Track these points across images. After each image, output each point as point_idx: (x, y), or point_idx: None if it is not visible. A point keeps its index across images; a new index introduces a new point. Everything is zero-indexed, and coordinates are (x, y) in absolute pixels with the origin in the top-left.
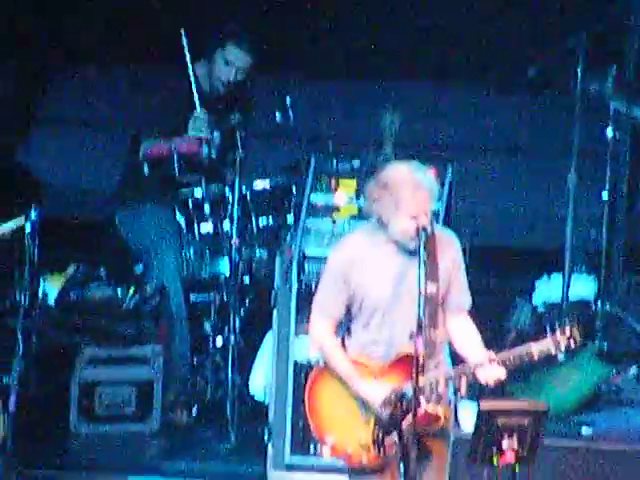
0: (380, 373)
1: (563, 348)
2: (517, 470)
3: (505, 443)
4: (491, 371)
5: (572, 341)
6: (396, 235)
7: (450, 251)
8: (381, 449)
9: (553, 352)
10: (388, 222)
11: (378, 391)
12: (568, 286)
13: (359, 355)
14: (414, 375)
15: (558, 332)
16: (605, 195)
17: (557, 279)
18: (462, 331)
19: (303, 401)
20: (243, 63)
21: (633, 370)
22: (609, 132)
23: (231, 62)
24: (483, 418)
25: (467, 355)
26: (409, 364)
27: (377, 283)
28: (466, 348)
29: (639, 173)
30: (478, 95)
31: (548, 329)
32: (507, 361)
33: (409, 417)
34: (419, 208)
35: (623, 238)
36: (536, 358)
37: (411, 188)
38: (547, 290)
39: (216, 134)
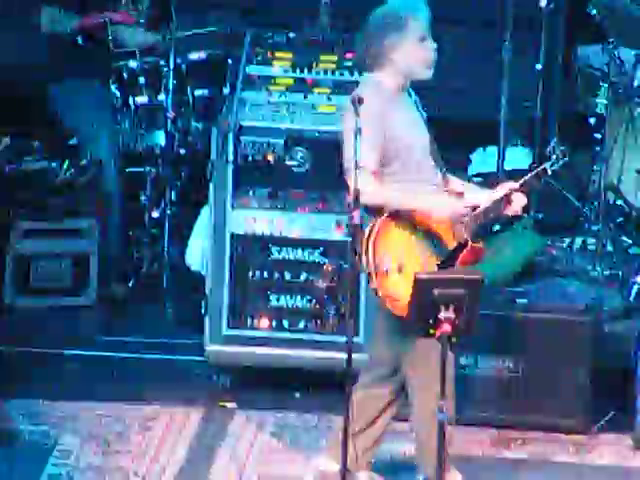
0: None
1: (558, 161)
2: (454, 340)
3: (441, 314)
4: (519, 199)
5: (559, 152)
6: (411, 65)
7: None
8: None
9: (555, 165)
10: (395, 59)
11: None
12: (503, 158)
13: None
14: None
15: (548, 150)
16: (539, 66)
17: (492, 152)
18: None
19: (240, 273)
20: None
21: (567, 240)
22: (542, 2)
23: None
24: (419, 288)
25: (470, 192)
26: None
27: (408, 127)
28: (465, 186)
29: (573, 43)
30: None
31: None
32: (526, 185)
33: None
34: (424, 28)
35: (557, 109)
36: (549, 173)
37: (412, 11)
38: (482, 162)
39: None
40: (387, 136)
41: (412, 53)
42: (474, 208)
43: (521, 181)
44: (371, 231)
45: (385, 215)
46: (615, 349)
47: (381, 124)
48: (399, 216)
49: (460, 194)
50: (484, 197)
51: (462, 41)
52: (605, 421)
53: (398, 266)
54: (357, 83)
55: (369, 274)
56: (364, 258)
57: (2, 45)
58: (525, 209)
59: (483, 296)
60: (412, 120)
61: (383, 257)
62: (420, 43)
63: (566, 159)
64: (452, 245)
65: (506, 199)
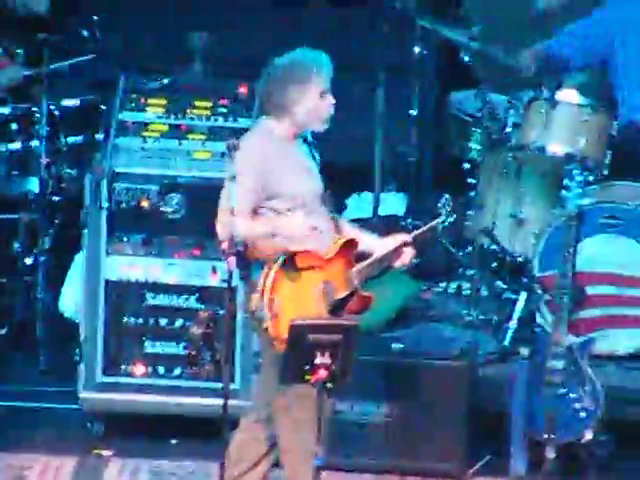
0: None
1: (450, 216)
2: (330, 386)
3: (317, 359)
4: (409, 253)
5: (450, 207)
6: (310, 118)
7: None
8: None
9: (446, 221)
10: (291, 110)
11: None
12: (377, 203)
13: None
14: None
15: (439, 205)
16: (413, 112)
17: (367, 197)
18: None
19: (114, 319)
20: None
21: (442, 285)
22: (415, 49)
23: None
24: (295, 334)
25: (362, 241)
26: (348, 251)
27: (296, 175)
28: (358, 235)
29: (445, 89)
30: (284, 12)
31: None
32: (418, 238)
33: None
34: (326, 83)
35: (431, 154)
36: (439, 229)
37: (317, 66)
38: (357, 207)
39: (20, 52)
40: (270, 184)
41: (312, 107)
42: (365, 256)
43: (413, 235)
44: (266, 276)
45: (280, 261)
46: (490, 393)
47: (261, 169)
48: (294, 262)
49: (353, 241)
50: (376, 245)
51: (337, 86)
52: (481, 465)
53: (288, 310)
54: (232, 130)
55: (263, 314)
56: (259, 301)
57: None
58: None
59: (359, 341)
60: (302, 168)
61: (275, 300)
62: (320, 98)
63: (455, 216)
64: (342, 293)
65: (397, 251)
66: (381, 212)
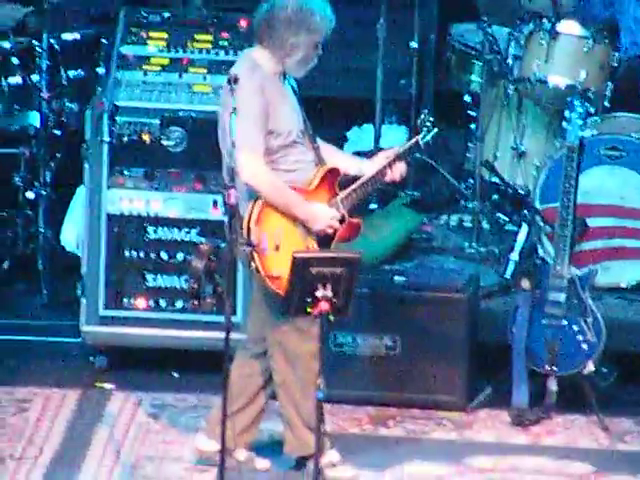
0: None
1: (431, 131)
2: (331, 319)
3: (319, 292)
4: (399, 167)
5: (430, 122)
6: (295, 64)
7: None
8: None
9: (427, 136)
10: (292, 54)
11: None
12: (379, 136)
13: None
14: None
15: (419, 122)
16: (414, 44)
17: (368, 130)
18: (327, 147)
19: (116, 253)
20: None
21: (443, 218)
22: None
23: None
24: (297, 267)
25: (348, 164)
26: (330, 180)
27: (288, 111)
28: (343, 159)
29: (447, 23)
30: None
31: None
32: (400, 155)
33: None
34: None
35: (432, 87)
36: (422, 146)
37: (324, 18)
38: (359, 141)
39: None
40: (270, 118)
41: (305, 56)
42: (354, 179)
43: (397, 151)
44: (251, 212)
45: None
46: (492, 326)
47: (264, 102)
48: None
49: (334, 170)
50: (365, 168)
51: (337, 19)
52: (482, 397)
53: (276, 245)
54: (233, 63)
55: (250, 254)
56: (244, 238)
57: None
58: (402, 184)
59: (361, 274)
60: (291, 103)
61: (261, 237)
62: (314, 48)
63: (436, 129)
64: None
65: (385, 169)
66: (382, 144)
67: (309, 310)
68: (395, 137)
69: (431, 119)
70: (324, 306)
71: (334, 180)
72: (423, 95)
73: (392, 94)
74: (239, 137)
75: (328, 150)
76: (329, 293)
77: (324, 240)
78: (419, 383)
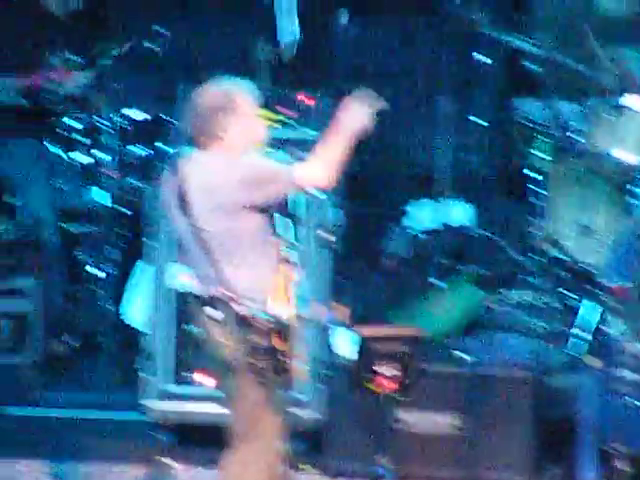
0: None
1: None
2: (395, 396)
3: (384, 370)
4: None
5: None
6: (238, 145)
7: None
8: None
9: None
10: (225, 138)
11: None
12: (443, 212)
13: None
14: None
15: None
16: (480, 121)
17: (432, 205)
18: None
19: (181, 329)
20: None
21: (508, 294)
22: (479, 57)
23: None
24: (362, 344)
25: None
26: None
27: None
28: None
29: (511, 98)
30: (349, 23)
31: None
32: None
33: None
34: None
35: (498, 163)
36: None
37: (243, 94)
38: (422, 216)
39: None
40: None
41: (240, 133)
42: None
43: None
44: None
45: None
46: (558, 403)
47: None
48: None
49: None
50: None
51: (402, 95)
52: (549, 477)
53: None
54: (296, 140)
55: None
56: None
57: None
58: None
59: (423, 351)
60: None
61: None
62: (250, 122)
63: None
64: None
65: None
66: (445, 220)
67: (372, 387)
68: (460, 213)
69: None
70: (388, 384)
71: None
72: (486, 170)
73: (456, 169)
74: (277, 170)
75: None
76: (393, 370)
77: None
78: (484, 461)
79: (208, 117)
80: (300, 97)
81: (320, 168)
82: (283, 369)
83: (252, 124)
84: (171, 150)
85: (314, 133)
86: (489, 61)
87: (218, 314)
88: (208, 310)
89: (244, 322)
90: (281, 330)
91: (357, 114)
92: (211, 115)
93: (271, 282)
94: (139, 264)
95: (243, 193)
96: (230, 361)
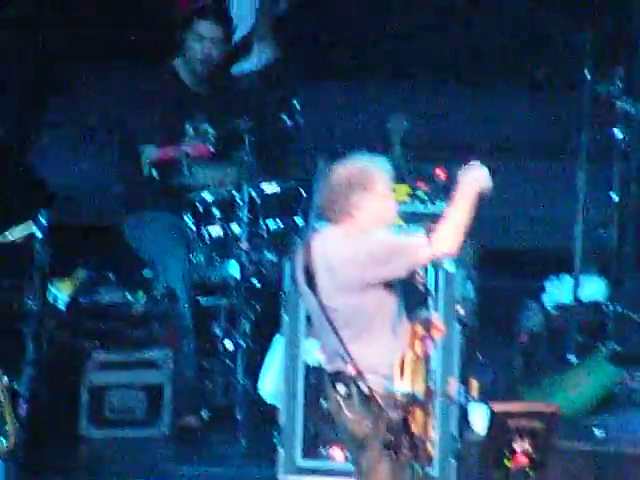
0: None
1: None
2: (530, 473)
3: (517, 446)
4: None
5: None
6: (369, 222)
7: None
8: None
9: None
10: (358, 216)
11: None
12: (578, 287)
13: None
14: None
15: None
16: (615, 196)
17: (567, 281)
18: None
19: (313, 403)
20: (215, 34)
21: None
22: (617, 132)
23: (202, 36)
24: (495, 420)
25: None
26: None
27: None
28: None
29: None
30: (484, 95)
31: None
32: None
33: None
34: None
35: (633, 239)
36: None
37: (379, 171)
38: (557, 292)
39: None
40: None
41: (375, 211)
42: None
43: None
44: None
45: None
46: None
47: None
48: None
49: None
50: None
51: (538, 171)
52: None
53: None
54: (430, 215)
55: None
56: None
57: (81, 175)
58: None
59: (557, 428)
60: None
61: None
62: (383, 201)
63: None
64: None
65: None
66: (582, 297)
67: (507, 463)
68: (595, 289)
69: None
70: (522, 460)
71: None
72: (624, 246)
73: (592, 245)
74: (406, 243)
75: None
76: (527, 447)
77: None
78: None
79: (342, 193)
80: (437, 171)
81: (446, 237)
82: (414, 444)
83: (385, 203)
84: (304, 224)
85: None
86: (627, 135)
87: (344, 389)
88: (337, 385)
89: (371, 397)
90: (412, 405)
91: (475, 179)
92: (345, 191)
93: (400, 357)
94: (277, 338)
95: (371, 269)
96: (360, 436)
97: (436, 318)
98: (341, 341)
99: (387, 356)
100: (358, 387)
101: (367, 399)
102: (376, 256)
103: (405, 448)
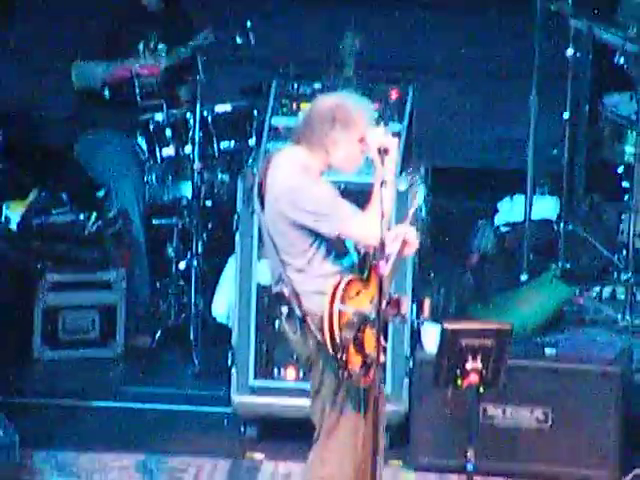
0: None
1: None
2: (481, 391)
3: (469, 364)
4: (411, 231)
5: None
6: (339, 161)
7: None
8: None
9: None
10: (332, 151)
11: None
12: (530, 207)
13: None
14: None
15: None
16: (566, 115)
17: (519, 200)
18: None
19: (266, 323)
20: None
21: (596, 290)
22: (569, 51)
23: None
24: (447, 339)
25: None
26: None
27: None
28: None
29: (599, 92)
30: (439, 15)
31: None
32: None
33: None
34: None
35: (584, 157)
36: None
37: (363, 112)
38: (509, 211)
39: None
40: None
41: (349, 152)
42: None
43: (409, 222)
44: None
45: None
46: None
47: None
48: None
49: None
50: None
51: (490, 92)
52: (634, 475)
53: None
54: None
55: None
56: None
57: (31, 95)
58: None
59: (511, 346)
60: None
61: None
62: (359, 144)
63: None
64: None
65: (404, 244)
66: (534, 216)
67: (458, 382)
68: (547, 208)
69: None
70: (474, 378)
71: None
72: (575, 166)
73: (544, 165)
74: (337, 213)
75: None
76: (479, 365)
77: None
78: (570, 457)
79: (323, 125)
80: (392, 92)
81: (368, 225)
82: (365, 364)
83: (360, 148)
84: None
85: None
86: (578, 54)
87: (286, 310)
88: (280, 306)
89: (305, 319)
90: (364, 324)
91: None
92: (327, 124)
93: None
94: (230, 260)
95: (300, 215)
96: (303, 356)
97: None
98: (282, 264)
99: (324, 282)
100: (296, 309)
101: (302, 321)
102: (308, 207)
103: (356, 368)
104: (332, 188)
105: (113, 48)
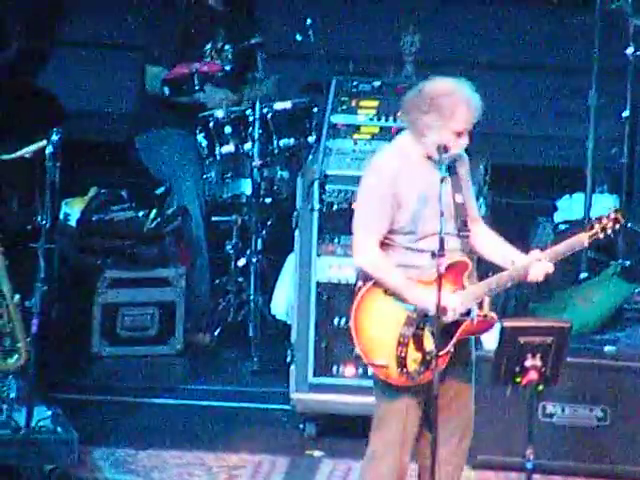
0: (430, 283)
1: (610, 231)
2: (540, 389)
3: (528, 362)
4: (541, 268)
5: (617, 222)
6: (433, 149)
7: (464, 165)
8: (404, 368)
9: (601, 236)
10: (426, 135)
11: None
12: (590, 205)
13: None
14: (437, 292)
15: (604, 217)
16: (626, 113)
17: (579, 198)
18: (487, 236)
19: (325, 320)
20: None
21: None
22: (629, 50)
23: None
24: (506, 336)
25: (503, 258)
26: (456, 272)
27: (420, 198)
28: (499, 251)
29: None
30: (498, 12)
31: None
32: (557, 255)
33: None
34: (467, 125)
35: None
36: (587, 244)
37: (466, 107)
38: (569, 209)
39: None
40: (396, 203)
41: (438, 139)
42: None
43: (548, 253)
44: (356, 294)
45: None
46: None
47: (392, 190)
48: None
49: (462, 263)
50: (509, 262)
51: (550, 88)
52: None
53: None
54: None
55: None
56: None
57: (93, 93)
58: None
59: (570, 343)
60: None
61: (358, 319)
62: (455, 137)
63: (616, 227)
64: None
65: (530, 267)
66: (592, 213)
67: (517, 380)
68: (606, 206)
69: (624, 213)
70: (533, 376)
71: (461, 273)
72: (634, 164)
73: (603, 163)
74: (358, 217)
75: (488, 238)
76: (538, 362)
77: (445, 332)
78: (629, 455)
79: (422, 107)
80: None
81: (366, 258)
82: (424, 361)
83: (455, 139)
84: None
85: None
86: (637, 52)
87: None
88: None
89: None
90: (423, 321)
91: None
92: (425, 107)
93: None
94: (289, 257)
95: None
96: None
97: None
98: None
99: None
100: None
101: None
102: (358, 197)
103: (416, 365)
104: (385, 197)
105: (186, 49)
